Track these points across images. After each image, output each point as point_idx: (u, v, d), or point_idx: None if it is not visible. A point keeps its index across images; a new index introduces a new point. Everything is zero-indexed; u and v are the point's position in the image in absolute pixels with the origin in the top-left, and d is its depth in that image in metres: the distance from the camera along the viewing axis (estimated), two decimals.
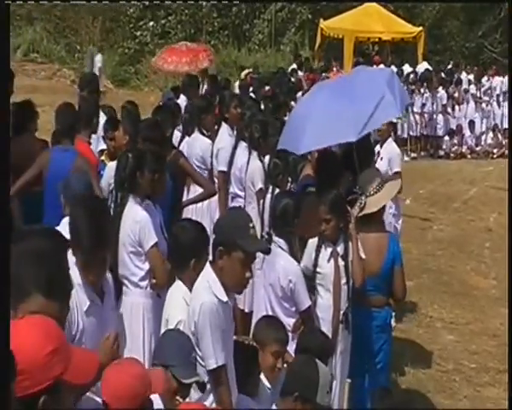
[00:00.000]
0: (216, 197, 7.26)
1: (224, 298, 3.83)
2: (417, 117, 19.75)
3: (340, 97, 5.97)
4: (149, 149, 5.42)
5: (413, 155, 19.52)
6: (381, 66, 19.15)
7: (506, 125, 20.15)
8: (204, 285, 3.87)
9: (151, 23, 25.17)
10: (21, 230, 2.81)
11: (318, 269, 5.39)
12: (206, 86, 12.68)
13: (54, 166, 6.04)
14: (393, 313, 6.52)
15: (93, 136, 7.17)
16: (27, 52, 22.58)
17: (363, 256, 5.45)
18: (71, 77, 21.68)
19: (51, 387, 2.18)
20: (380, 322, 5.72)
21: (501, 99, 21.06)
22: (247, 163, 7.38)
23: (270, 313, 5.16)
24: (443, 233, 12.66)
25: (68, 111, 6.64)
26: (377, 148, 8.41)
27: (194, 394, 3.77)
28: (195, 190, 7.04)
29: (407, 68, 21.16)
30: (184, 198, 6.99)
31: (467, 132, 20.50)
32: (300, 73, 18.77)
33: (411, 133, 19.63)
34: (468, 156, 20.09)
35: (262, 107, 10.04)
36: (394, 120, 16.80)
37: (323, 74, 17.72)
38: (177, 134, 7.97)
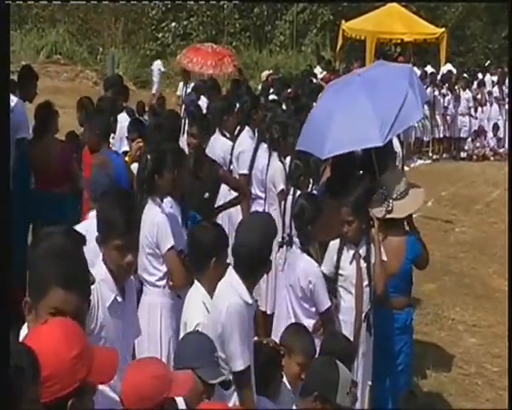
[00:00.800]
0: None
1: (249, 300, 3.85)
2: (440, 119, 19.64)
3: (363, 96, 5.86)
4: (169, 147, 5.39)
5: (435, 156, 19.43)
6: None
7: None
8: (228, 287, 3.89)
9: (173, 24, 25.28)
10: (40, 232, 2.83)
11: (340, 271, 5.36)
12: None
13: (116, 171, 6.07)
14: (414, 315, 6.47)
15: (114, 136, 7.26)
16: (50, 54, 22.74)
17: (385, 259, 5.43)
18: (93, 78, 21.82)
19: (77, 389, 2.22)
20: (400, 324, 5.68)
21: None
22: (268, 164, 7.39)
23: (292, 315, 5.17)
24: (465, 235, 12.57)
25: (104, 117, 6.86)
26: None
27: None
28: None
29: (430, 70, 21.03)
30: None
31: (490, 134, 20.35)
32: (320, 76, 18.66)
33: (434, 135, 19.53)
34: (491, 158, 19.94)
35: (284, 108, 10.02)
36: (416, 125, 16.75)
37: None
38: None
